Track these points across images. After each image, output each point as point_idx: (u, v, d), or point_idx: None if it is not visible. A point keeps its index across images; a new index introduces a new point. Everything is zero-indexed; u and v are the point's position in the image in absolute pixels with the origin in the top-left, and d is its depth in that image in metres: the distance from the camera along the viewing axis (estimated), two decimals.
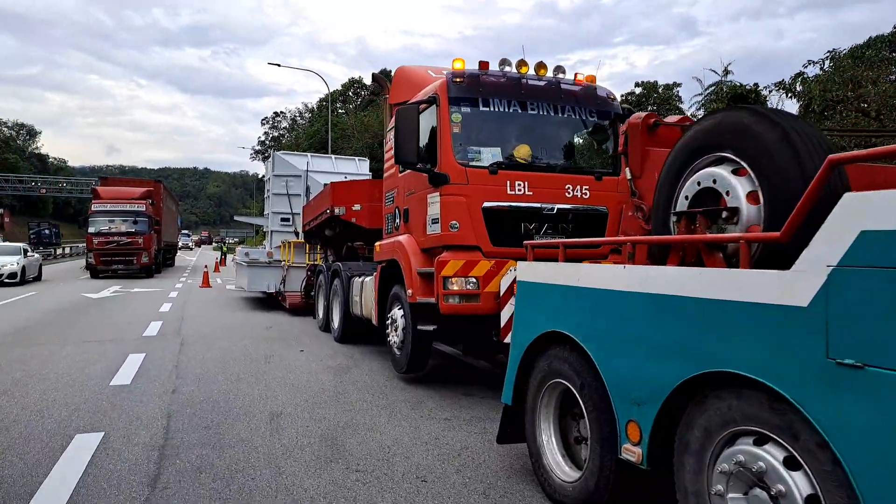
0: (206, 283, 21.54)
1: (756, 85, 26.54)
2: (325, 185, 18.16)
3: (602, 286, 3.51)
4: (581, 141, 7.06)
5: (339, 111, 61.40)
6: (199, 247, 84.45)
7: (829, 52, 21.64)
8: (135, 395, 6.42)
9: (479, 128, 6.66)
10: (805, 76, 21.07)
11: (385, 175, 8.19)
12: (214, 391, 6.64)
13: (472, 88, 6.54)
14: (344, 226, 10.89)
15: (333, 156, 20.34)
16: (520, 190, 6.43)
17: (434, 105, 6.58)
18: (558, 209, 6.50)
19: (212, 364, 8.10)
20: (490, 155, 6.52)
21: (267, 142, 79.95)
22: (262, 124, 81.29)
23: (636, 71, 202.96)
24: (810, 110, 19.95)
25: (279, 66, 37.06)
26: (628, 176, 5.09)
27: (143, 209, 27.34)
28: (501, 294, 6.14)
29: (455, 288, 6.20)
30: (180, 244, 71.38)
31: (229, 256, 45.74)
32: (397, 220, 7.57)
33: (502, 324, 6.09)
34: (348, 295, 9.58)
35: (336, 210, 10.36)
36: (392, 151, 7.81)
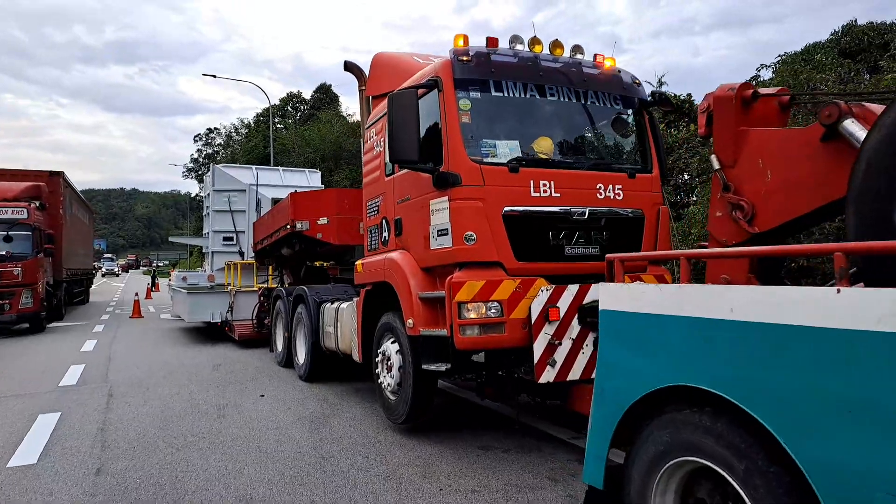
0: (136, 312, 19.40)
1: (689, 95, 26.54)
2: (272, 199, 16.61)
3: (788, 321, 2.29)
4: (609, 133, 5.90)
5: (278, 126, 59.29)
6: (127, 272, 78.77)
7: (779, 55, 21.59)
8: (42, 481, 4.79)
9: (492, 117, 5.41)
10: (759, 80, 20.95)
11: (366, 180, 6.83)
12: (155, 467, 5.07)
13: (481, 69, 5.29)
14: (307, 243, 9.43)
15: (281, 168, 18.71)
16: (545, 191, 5.20)
17: (436, 90, 5.29)
18: (590, 213, 5.30)
19: (149, 423, 6.48)
20: (507, 149, 5.27)
21: (200, 159, 76.65)
22: (195, 141, 77.89)
23: None
24: None
25: (214, 76, 35.11)
26: (716, 165, 3.93)
27: (25, 216, 15.48)
28: (533, 321, 4.88)
29: (473, 316, 4.89)
30: (103, 270, 64.93)
31: (164, 281, 42.91)
32: (385, 234, 6.21)
33: (536, 358, 4.83)
34: (317, 325, 8.10)
35: (298, 225, 8.89)
36: (375, 150, 6.48)
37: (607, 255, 3.39)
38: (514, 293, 4.95)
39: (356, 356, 6.74)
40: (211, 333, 13.66)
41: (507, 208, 5.07)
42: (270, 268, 12.10)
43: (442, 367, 5.14)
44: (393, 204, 6.03)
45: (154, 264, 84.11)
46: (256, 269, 14.97)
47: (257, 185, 16.18)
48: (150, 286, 35.39)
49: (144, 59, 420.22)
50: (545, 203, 5.19)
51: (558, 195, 5.23)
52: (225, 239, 17.23)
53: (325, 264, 9.74)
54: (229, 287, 12.90)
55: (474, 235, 4.98)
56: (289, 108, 62.77)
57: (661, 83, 36.59)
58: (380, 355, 6.11)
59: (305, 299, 8.46)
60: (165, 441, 5.79)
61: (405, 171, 5.75)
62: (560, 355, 4.91)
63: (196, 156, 77.08)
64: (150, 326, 16.60)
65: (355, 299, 6.90)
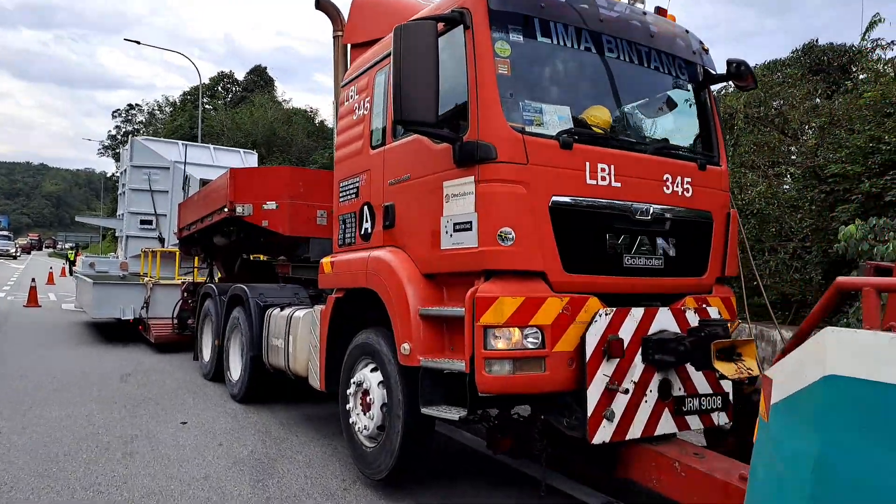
0: (32, 300, 16.76)
1: None
2: (201, 180, 14.57)
3: None
4: (667, 109, 4.59)
5: (207, 107, 55.87)
6: (29, 253, 70.03)
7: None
8: None
9: (536, 71, 4.00)
10: (727, 92, 20.58)
11: (339, 154, 5.24)
12: None
13: (525, 3, 3.86)
14: (247, 232, 7.71)
15: (212, 146, 16.61)
16: (603, 178, 3.83)
17: (461, 26, 3.81)
18: (655, 212, 3.97)
19: (24, 463, 4.68)
20: (556, 118, 3.86)
21: (119, 136, 71.54)
22: (114, 117, 72.68)
23: None
24: (733, 126, 19.35)
25: (139, 43, 31.80)
26: None
27: None
28: (588, 356, 3.50)
29: (504, 346, 3.46)
30: None
31: (81, 263, 39.20)
32: (367, 225, 4.66)
33: (590, 410, 3.45)
34: (261, 335, 6.42)
35: (239, 209, 7.16)
36: (356, 115, 4.95)
37: (858, 282, 2.02)
38: (561, 316, 3.55)
39: (315, 382, 5.15)
40: (122, 332, 11.55)
41: (555, 198, 3.66)
42: (197, 259, 10.20)
43: (454, 415, 3.67)
44: (381, 185, 4.50)
45: (60, 246, 77.45)
46: (179, 260, 12.95)
47: (185, 162, 14.09)
48: (66, 267, 32.06)
49: (61, 26, 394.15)
50: (604, 194, 3.81)
51: (618, 185, 3.87)
52: (142, 222, 15.02)
53: (274, 260, 7.97)
54: (146, 278, 10.88)
55: (512, 233, 3.54)
56: (219, 88, 59.19)
57: None
58: (352, 386, 4.56)
59: (245, 301, 6.76)
60: (43, 498, 4.03)
61: (405, 139, 4.25)
62: (619, 405, 3.56)
63: (114, 132, 72.00)
64: (47, 319, 14.19)
65: (317, 307, 5.31)
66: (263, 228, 7.40)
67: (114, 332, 11.67)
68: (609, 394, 3.51)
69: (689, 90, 4.56)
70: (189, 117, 50.53)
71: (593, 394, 3.46)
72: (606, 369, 3.52)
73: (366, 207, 4.68)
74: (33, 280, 17.87)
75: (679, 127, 4.57)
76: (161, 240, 14.73)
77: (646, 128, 4.42)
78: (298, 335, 5.56)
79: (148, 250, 12.75)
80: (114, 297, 10.45)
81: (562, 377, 3.53)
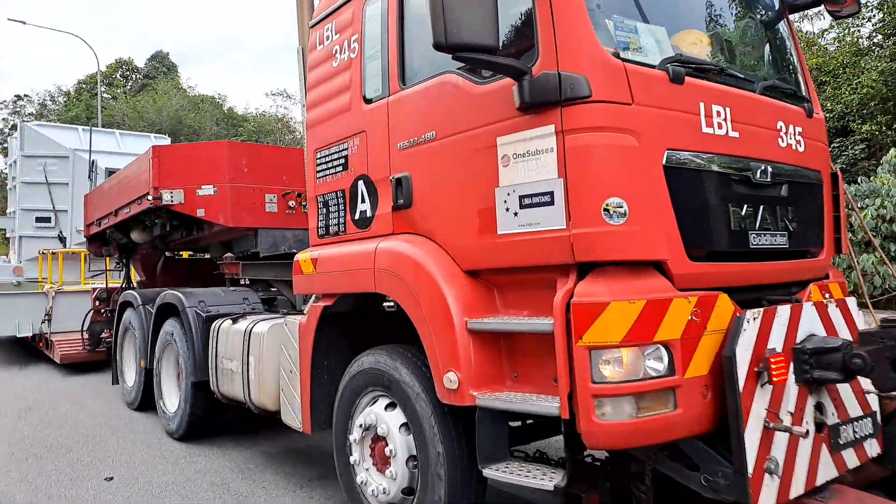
0: None
1: None
2: (107, 169, 12.44)
3: None
4: (763, 40, 3.48)
5: (106, 96, 51.18)
6: None
7: None
8: None
9: None
10: None
11: (312, 116, 3.77)
12: None
13: None
14: (177, 224, 6.10)
15: (118, 131, 14.38)
16: (720, 125, 2.66)
17: None
18: (772, 171, 2.85)
19: None
20: (653, 40, 2.65)
21: (6, 130, 64.46)
22: None
23: None
24: None
25: (24, 23, 27.85)
26: None
27: None
28: (741, 383, 2.35)
29: (618, 376, 2.25)
30: None
31: None
32: (364, 206, 3.28)
33: (751, 464, 2.33)
34: (206, 355, 4.89)
35: (167, 196, 5.55)
36: (336, 61, 3.55)
37: None
38: (690, 325, 2.37)
39: (294, 421, 3.73)
40: (19, 350, 9.50)
41: (670, 153, 2.46)
42: (108, 259, 8.34)
43: (546, 484, 2.41)
44: (385, 151, 3.14)
45: None
46: (87, 261, 10.93)
47: (90, 149, 11.92)
48: None
49: None
50: (722, 147, 2.66)
51: (736, 134, 2.72)
52: (39, 220, 12.70)
53: (218, 258, 6.30)
54: (46, 285, 8.88)
55: (624, 205, 2.31)
56: (118, 76, 54.27)
57: None
58: (356, 431, 3.21)
59: (181, 311, 5.17)
60: None
61: (424, 84, 2.93)
62: (779, 450, 2.43)
63: (0, 125, 64.78)
64: None
65: (289, 318, 3.88)
66: (198, 219, 5.84)
67: (8, 351, 9.58)
68: (767, 435, 2.38)
69: (773, 16, 3.47)
70: (86, 107, 46.05)
71: (752, 438, 2.31)
72: (762, 399, 2.38)
73: (361, 183, 3.31)
74: None
75: (769, 63, 3.47)
76: (62, 239, 12.48)
77: (743, 61, 3.28)
78: (263, 356, 4.11)
79: (47, 251, 10.63)
80: (7, 309, 8.43)
81: (697, 415, 2.36)
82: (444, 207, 2.84)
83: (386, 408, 3.08)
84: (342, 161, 3.46)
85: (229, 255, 5.22)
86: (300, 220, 5.91)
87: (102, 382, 7.51)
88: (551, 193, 2.39)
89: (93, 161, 9.78)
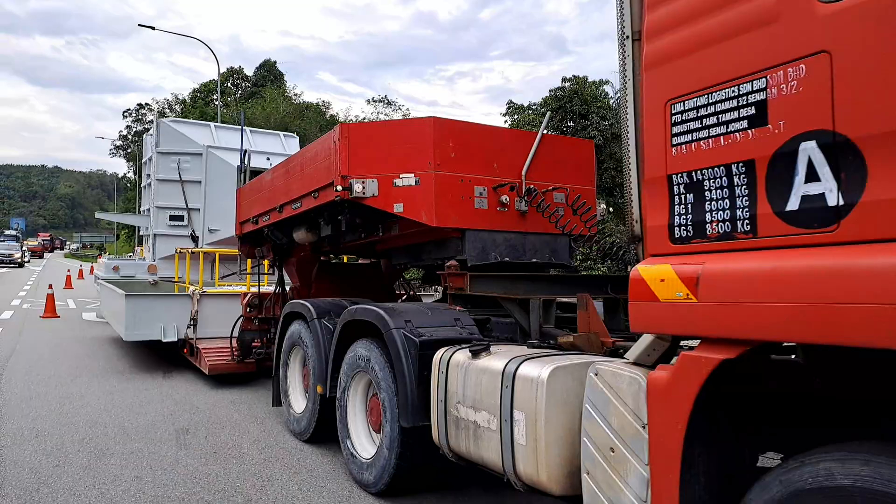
0: (50, 310, 13.88)
1: None
2: (238, 167, 11.70)
3: None
4: None
5: (216, 103, 52.94)
6: (42, 257, 60.70)
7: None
8: None
9: None
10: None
11: (658, 41, 2.36)
12: None
13: None
14: (360, 222, 4.90)
15: (249, 128, 13.73)
16: None
17: None
18: None
19: None
20: None
21: (130, 136, 68.27)
22: (125, 116, 68.99)
23: (511, 85, 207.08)
24: None
25: (153, 28, 28.70)
26: None
27: None
28: None
29: None
30: None
31: (87, 267, 36.42)
32: (819, 187, 1.81)
33: None
34: (425, 395, 3.60)
35: (357, 187, 4.34)
36: None
37: None
38: None
39: None
40: (157, 352, 8.75)
41: None
42: (249, 262, 7.30)
43: None
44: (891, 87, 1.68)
45: (71, 248, 73.13)
46: (218, 263, 10.17)
47: (242, 151, 11.18)
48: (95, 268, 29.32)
49: (72, 32, 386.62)
50: None
51: None
52: (172, 218, 12.20)
53: (438, 261, 4.76)
54: (191, 287, 8.03)
55: None
56: (229, 84, 55.95)
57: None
58: None
59: (385, 332, 3.91)
60: None
61: None
62: None
63: (125, 132, 68.60)
64: (66, 334, 11.31)
65: (608, 366, 2.48)
66: (387, 217, 4.62)
67: (147, 353, 8.85)
68: None
69: None
70: (200, 114, 47.49)
71: None
72: None
73: (808, 147, 1.86)
74: (50, 287, 14.97)
75: None
76: (194, 238, 11.93)
77: None
78: (544, 414, 2.74)
79: (185, 250, 9.91)
80: (151, 312, 7.61)
81: None
82: None
83: None
84: (751, 112, 2.02)
85: (452, 262, 3.92)
86: (513, 219, 4.58)
87: (254, 400, 6.49)
88: None
89: (246, 151, 8.87)
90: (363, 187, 4.38)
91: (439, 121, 4.43)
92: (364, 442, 4.28)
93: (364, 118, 41.81)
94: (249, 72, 56.26)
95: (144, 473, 4.35)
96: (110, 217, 34.78)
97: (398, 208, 4.38)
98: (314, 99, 53.36)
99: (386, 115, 40.81)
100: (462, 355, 3.37)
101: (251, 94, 52.65)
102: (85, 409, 5.99)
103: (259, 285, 7.25)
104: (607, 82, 29.85)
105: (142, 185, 14.75)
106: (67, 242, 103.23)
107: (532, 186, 4.58)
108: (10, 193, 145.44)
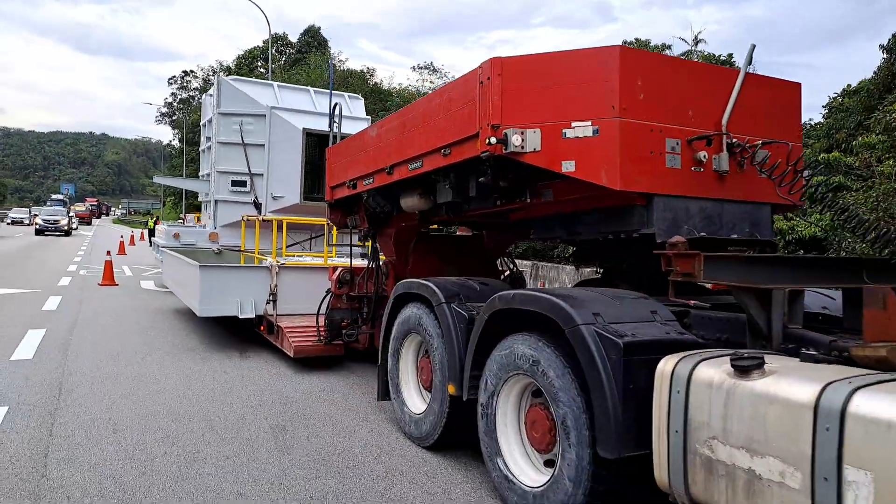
0: (108, 278, 13.41)
1: (731, 55, 21.44)
2: (304, 130, 10.84)
3: None
4: None
5: (261, 70, 52.32)
6: (89, 223, 58.45)
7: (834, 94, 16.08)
8: None
9: None
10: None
11: None
12: None
13: None
14: (505, 185, 3.93)
15: (312, 88, 12.83)
16: None
17: None
18: None
19: None
20: None
21: (175, 103, 68.47)
22: (170, 84, 69.09)
23: None
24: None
25: None
26: None
27: None
28: None
29: None
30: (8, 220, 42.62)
31: (137, 232, 36.64)
32: None
33: None
34: (633, 419, 2.65)
35: (514, 139, 3.35)
36: None
37: None
38: None
39: None
40: (231, 326, 8.04)
41: None
42: (359, 233, 6.38)
43: None
44: None
45: (114, 213, 73.91)
46: (286, 232, 9.35)
47: (276, 109, 10.35)
48: (145, 234, 29.56)
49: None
50: None
51: None
52: (234, 184, 11.44)
53: (674, 244, 3.44)
54: (269, 259, 7.22)
55: None
56: (273, 51, 55.17)
57: (696, 41, 31.14)
58: None
59: (570, 331, 2.95)
60: None
61: None
62: None
63: (171, 100, 68.77)
64: (126, 304, 10.75)
65: None
66: (547, 176, 3.64)
67: (219, 328, 8.15)
68: None
69: None
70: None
71: None
72: None
73: None
74: (108, 253, 14.49)
75: None
76: (257, 205, 11.15)
77: None
78: None
79: (253, 217, 9.14)
80: (228, 285, 6.84)
81: None
82: None
83: None
84: None
85: (678, 238, 2.91)
86: (709, 183, 3.54)
87: (347, 389, 5.67)
88: None
89: (336, 105, 7.94)
90: (522, 140, 3.40)
91: (627, 50, 3.39)
92: (522, 464, 3.38)
93: (408, 87, 40.54)
94: (293, 38, 55.36)
95: (248, 489, 3.55)
96: (169, 182, 34.47)
97: (567, 167, 3.38)
98: (358, 66, 52.09)
99: (431, 82, 39.47)
100: (715, 370, 2.39)
101: (295, 62, 51.90)
102: (162, 396, 5.25)
103: (325, 256, 6.37)
104: (669, 46, 27.93)
105: (200, 149, 14.04)
106: (112, 208, 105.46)
107: (736, 140, 3.53)
108: (60, 160, 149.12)
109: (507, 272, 6.54)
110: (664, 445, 2.51)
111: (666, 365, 2.56)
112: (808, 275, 2.99)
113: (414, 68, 49.26)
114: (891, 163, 7.83)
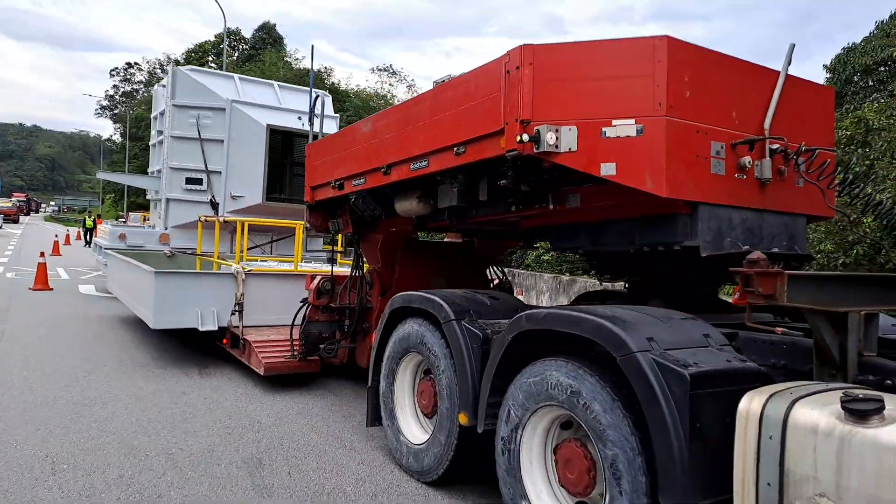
0: (41, 282, 12.28)
1: None
2: (268, 126, 10.18)
3: None
4: None
5: (213, 66, 50.49)
6: (16, 221, 53.49)
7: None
8: None
9: None
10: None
11: None
12: None
13: None
14: (527, 189, 3.52)
15: (276, 83, 12.16)
16: None
17: None
18: None
19: None
20: None
21: (117, 96, 65.43)
22: (112, 75, 66.17)
23: None
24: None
25: None
26: None
27: None
28: None
29: None
30: None
31: (73, 231, 34.58)
32: None
33: None
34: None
35: (548, 137, 2.95)
36: None
37: None
38: None
39: None
40: (185, 337, 7.32)
41: None
42: (340, 240, 5.80)
43: None
44: None
45: (44, 210, 69.86)
46: (246, 236, 8.71)
47: (236, 102, 9.69)
48: (81, 233, 27.92)
49: None
50: None
51: None
52: (189, 181, 10.66)
53: (752, 263, 2.65)
54: (234, 266, 6.57)
55: None
56: (225, 46, 53.36)
57: None
58: None
59: (626, 360, 2.54)
60: None
61: None
62: None
63: (112, 92, 65.64)
64: (63, 311, 9.79)
65: None
66: (574, 179, 3.26)
67: (172, 340, 7.42)
68: None
69: None
70: None
71: None
72: None
73: None
74: (42, 254, 13.34)
75: None
76: (214, 205, 10.43)
77: None
78: None
79: (213, 218, 8.45)
80: (186, 294, 6.16)
81: None
82: None
83: None
84: None
85: (758, 254, 2.49)
86: (751, 191, 3.24)
87: (326, 412, 5.12)
88: None
89: (317, 97, 7.33)
90: (557, 138, 3.00)
91: (676, 42, 3.03)
92: None
93: (366, 89, 39.77)
94: (247, 34, 53.76)
95: None
96: (113, 177, 32.34)
97: (607, 170, 3.00)
98: (316, 66, 50.95)
99: (391, 84, 38.87)
100: (818, 413, 2.03)
101: (248, 58, 50.35)
102: (112, 424, 4.59)
103: (295, 262, 5.85)
104: None
105: (150, 144, 13.14)
106: (43, 205, 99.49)
107: (778, 146, 3.24)
108: None
109: (497, 280, 6.16)
110: (751, 498, 2.14)
111: (752, 403, 2.19)
112: (884, 295, 2.69)
113: (373, 70, 48.61)
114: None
